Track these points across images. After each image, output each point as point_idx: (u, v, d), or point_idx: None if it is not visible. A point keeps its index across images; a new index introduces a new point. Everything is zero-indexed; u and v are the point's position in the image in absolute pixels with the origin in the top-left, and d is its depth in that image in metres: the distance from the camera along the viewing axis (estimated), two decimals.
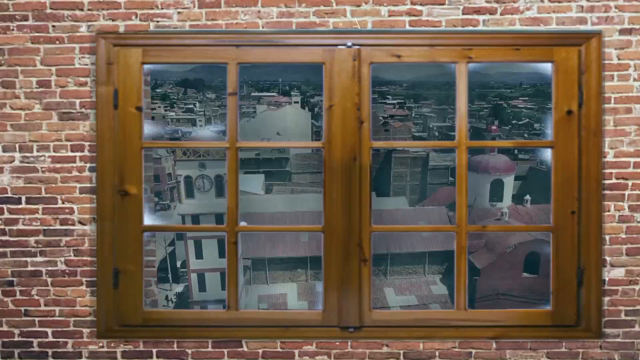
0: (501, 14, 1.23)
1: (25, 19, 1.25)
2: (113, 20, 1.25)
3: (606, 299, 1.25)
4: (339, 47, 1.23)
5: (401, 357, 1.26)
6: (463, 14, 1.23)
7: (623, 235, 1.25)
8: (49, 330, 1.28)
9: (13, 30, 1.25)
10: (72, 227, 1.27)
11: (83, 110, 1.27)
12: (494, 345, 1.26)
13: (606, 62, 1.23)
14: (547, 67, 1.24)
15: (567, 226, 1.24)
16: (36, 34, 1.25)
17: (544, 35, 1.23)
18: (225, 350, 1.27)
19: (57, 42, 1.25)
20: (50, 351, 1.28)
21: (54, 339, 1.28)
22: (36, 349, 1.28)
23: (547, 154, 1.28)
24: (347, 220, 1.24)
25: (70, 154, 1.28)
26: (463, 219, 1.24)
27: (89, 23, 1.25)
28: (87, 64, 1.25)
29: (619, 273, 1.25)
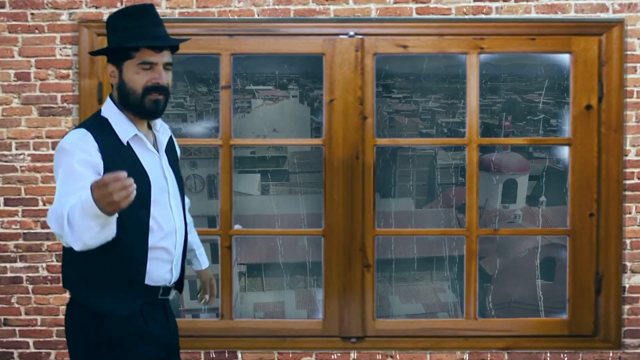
0: (515, 1, 1.23)
1: (2, 6, 1.25)
2: (96, 7, 1.24)
3: (626, 307, 1.25)
4: (341, 36, 1.22)
5: None
6: (474, 1, 1.23)
7: None
8: (31, 341, 1.29)
9: None
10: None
11: (65, 104, 1.27)
12: (506, 357, 1.27)
13: (628, 52, 1.23)
14: (564, 59, 1.24)
15: (585, 229, 1.24)
16: (14, 23, 1.25)
17: (561, 24, 1.22)
18: None
19: (37, 31, 1.25)
20: None
21: (36, 350, 1.29)
22: None
23: (564, 152, 1.28)
24: (349, 223, 1.24)
25: (51, 152, 1.27)
26: (473, 222, 1.24)
27: (71, 10, 1.24)
28: (69, 55, 1.24)
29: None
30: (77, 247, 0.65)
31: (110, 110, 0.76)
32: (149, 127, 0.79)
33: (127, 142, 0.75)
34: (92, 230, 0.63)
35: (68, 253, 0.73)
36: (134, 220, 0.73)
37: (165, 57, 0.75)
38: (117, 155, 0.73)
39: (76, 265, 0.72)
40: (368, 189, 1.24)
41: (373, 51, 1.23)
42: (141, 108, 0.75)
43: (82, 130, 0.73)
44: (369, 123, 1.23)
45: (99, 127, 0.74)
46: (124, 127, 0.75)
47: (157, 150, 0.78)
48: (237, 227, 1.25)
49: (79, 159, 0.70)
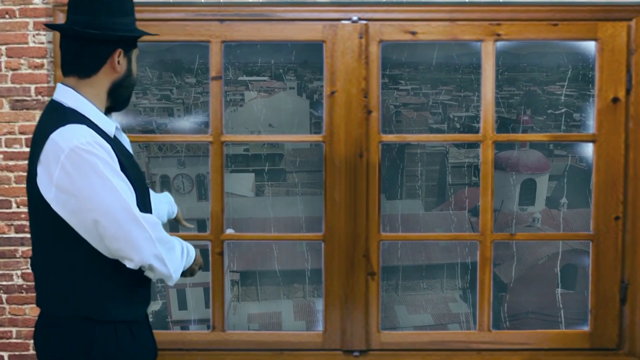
0: None
1: None
2: None
3: None
4: (343, 22, 1.21)
5: None
6: None
7: None
8: (5, 355, 1.28)
9: None
10: (29, 235, 1.27)
11: (39, 97, 1.26)
12: None
13: None
14: (589, 46, 1.23)
15: (610, 234, 1.23)
16: None
17: (586, 8, 1.21)
18: None
19: (7, 15, 1.24)
20: None
21: None
22: None
23: (588, 150, 1.27)
24: (351, 227, 1.23)
25: (25, 149, 1.26)
26: (488, 226, 1.23)
27: None
28: (43, 43, 1.23)
29: None
30: (173, 275, 0.72)
31: (78, 102, 0.72)
32: None
33: (114, 135, 0.74)
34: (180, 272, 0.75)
35: (72, 267, 0.70)
36: (144, 212, 0.73)
37: None
38: (115, 149, 0.72)
39: (86, 278, 0.69)
40: (373, 190, 1.23)
41: (378, 38, 1.22)
42: (128, 101, 0.77)
43: (82, 126, 0.68)
44: (374, 117, 1.22)
45: (83, 121, 0.70)
46: (102, 119, 0.73)
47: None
48: (229, 231, 1.24)
49: (114, 160, 0.68)
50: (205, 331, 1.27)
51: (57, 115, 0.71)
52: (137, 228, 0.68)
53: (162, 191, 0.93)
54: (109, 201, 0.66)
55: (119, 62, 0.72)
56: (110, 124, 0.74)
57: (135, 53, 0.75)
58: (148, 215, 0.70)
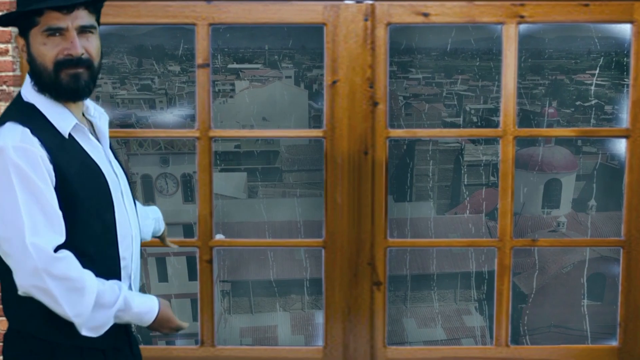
0: None
1: None
2: None
3: None
4: (346, 2, 1.20)
5: None
6: None
7: None
8: None
9: None
10: None
11: (4, 87, 1.24)
12: None
13: None
14: (624, 30, 1.22)
15: None
16: None
17: None
18: None
19: None
20: None
21: None
22: None
23: (621, 146, 1.26)
24: (355, 232, 1.23)
25: None
26: (507, 231, 1.23)
27: None
28: (7, 26, 1.24)
29: None
30: (75, 320, 0.67)
31: (35, 95, 0.71)
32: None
33: (70, 134, 0.71)
34: (110, 324, 0.70)
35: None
36: (100, 227, 0.71)
37: (80, 19, 0.69)
38: (63, 153, 0.70)
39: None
40: (379, 191, 1.23)
41: (386, 20, 1.21)
42: (58, 88, 0.70)
43: (18, 127, 0.67)
44: (381, 110, 1.21)
45: (31, 118, 0.69)
46: (59, 115, 0.71)
47: (99, 141, 0.76)
48: (219, 237, 1.24)
49: (36, 171, 0.66)
50: (193, 346, 1.27)
51: (6, 111, 0.71)
52: (22, 253, 0.65)
53: (142, 193, 0.91)
54: (7, 214, 0.65)
55: (22, 47, 0.71)
56: (69, 122, 0.71)
57: (34, 33, 0.69)
58: (43, 244, 0.64)
